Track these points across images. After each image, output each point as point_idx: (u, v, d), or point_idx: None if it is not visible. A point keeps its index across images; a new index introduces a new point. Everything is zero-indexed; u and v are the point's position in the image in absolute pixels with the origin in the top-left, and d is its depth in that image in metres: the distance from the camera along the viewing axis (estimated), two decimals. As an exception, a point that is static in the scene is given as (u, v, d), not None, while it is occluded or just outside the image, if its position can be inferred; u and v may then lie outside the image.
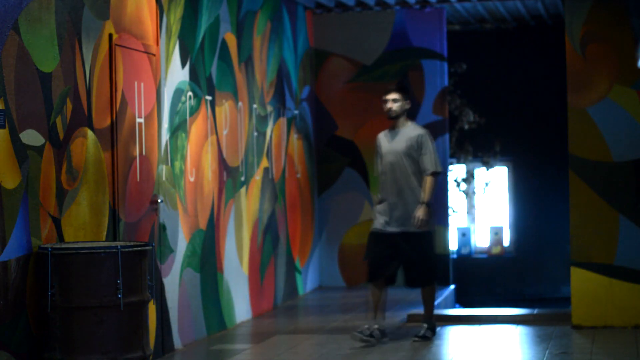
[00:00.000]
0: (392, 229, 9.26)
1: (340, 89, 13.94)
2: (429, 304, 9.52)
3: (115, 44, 7.95)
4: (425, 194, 9.21)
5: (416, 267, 9.36)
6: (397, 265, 9.39)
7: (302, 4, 13.33)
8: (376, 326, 9.15)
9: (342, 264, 13.80)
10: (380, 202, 9.40)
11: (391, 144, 9.38)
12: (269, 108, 11.89)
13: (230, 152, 10.59)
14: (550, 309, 11.34)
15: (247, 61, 11.15)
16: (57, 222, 7.04)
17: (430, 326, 9.42)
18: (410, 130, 9.40)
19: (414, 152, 9.32)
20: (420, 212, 9.15)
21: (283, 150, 12.37)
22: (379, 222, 9.33)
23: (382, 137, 9.50)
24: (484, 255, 16.94)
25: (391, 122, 9.47)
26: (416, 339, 9.31)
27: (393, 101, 9.34)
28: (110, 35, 7.90)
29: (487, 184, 16.89)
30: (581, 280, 9.93)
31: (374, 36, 13.94)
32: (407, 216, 9.22)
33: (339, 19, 14.00)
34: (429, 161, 9.30)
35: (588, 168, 9.96)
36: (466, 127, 15.99)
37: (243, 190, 10.96)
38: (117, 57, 7.96)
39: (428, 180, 9.25)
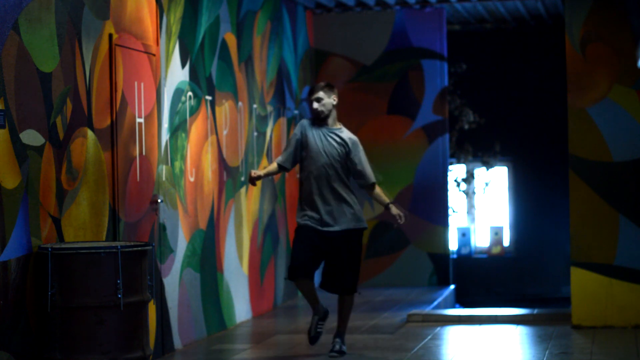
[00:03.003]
0: (329, 228, 8.50)
1: (340, 89, 13.94)
2: (348, 315, 8.75)
3: (115, 44, 7.95)
4: (385, 196, 8.72)
5: (346, 271, 8.58)
6: (318, 265, 8.63)
7: (302, 4, 13.33)
8: (316, 317, 8.51)
9: (342, 264, 13.80)
10: (306, 200, 8.57)
11: (322, 144, 8.53)
12: (269, 108, 11.90)
13: (230, 152, 10.59)
14: (550, 309, 11.35)
15: (247, 61, 11.16)
16: (57, 222, 7.04)
17: (343, 340, 8.71)
18: (343, 134, 8.60)
19: (345, 157, 8.55)
20: (397, 209, 8.66)
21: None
22: (312, 219, 8.52)
23: (309, 129, 8.60)
24: (484, 255, 16.94)
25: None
26: (334, 354, 8.55)
27: (317, 100, 8.52)
28: (110, 35, 7.90)
29: (487, 184, 16.90)
30: (581, 280, 9.94)
31: (374, 36, 13.94)
32: (347, 217, 8.53)
33: (339, 19, 14.00)
34: (369, 173, 8.65)
35: (588, 168, 9.96)
36: (466, 127, 16.00)
37: (243, 190, 10.96)
38: (117, 57, 7.96)
39: (378, 189, 8.72)
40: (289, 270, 8.47)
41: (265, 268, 11.63)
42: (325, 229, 8.50)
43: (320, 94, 8.54)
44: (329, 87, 8.59)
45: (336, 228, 8.51)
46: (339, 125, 8.67)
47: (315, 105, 8.55)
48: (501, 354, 8.77)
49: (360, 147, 8.65)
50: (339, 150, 8.54)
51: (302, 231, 8.53)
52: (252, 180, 8.47)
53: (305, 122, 8.66)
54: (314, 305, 8.53)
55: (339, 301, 8.70)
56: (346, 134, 8.63)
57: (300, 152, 8.61)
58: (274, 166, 8.68)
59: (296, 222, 8.63)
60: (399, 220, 8.68)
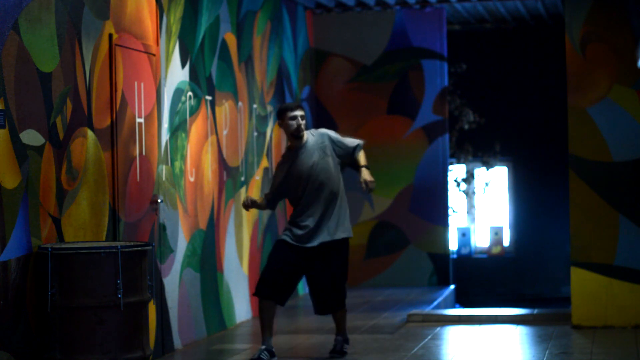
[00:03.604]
0: (312, 242, 8.33)
1: (340, 89, 13.95)
2: (344, 323, 8.60)
3: (115, 44, 7.95)
4: (363, 158, 8.44)
5: (334, 286, 8.42)
6: (296, 285, 8.49)
7: (302, 4, 13.33)
8: (264, 347, 8.30)
9: (342, 264, 13.79)
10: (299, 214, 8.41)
11: (302, 161, 8.34)
12: (269, 108, 11.90)
13: (230, 152, 10.59)
14: (550, 309, 11.34)
15: (247, 61, 11.16)
16: (57, 222, 7.04)
17: (345, 338, 8.62)
18: (314, 139, 8.44)
19: (329, 150, 8.40)
20: (366, 175, 8.29)
21: (283, 150, 12.37)
22: (294, 234, 8.36)
23: (285, 164, 8.41)
24: (484, 255, 16.95)
25: (293, 142, 8.41)
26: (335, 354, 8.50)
27: (302, 117, 8.35)
28: (110, 35, 7.90)
29: (487, 184, 16.90)
30: (581, 280, 9.94)
31: (374, 36, 13.94)
32: (333, 224, 8.37)
33: (339, 19, 14.00)
34: (350, 140, 8.48)
35: (588, 168, 9.96)
36: (466, 127, 16.00)
37: (243, 190, 10.96)
38: (117, 57, 7.96)
39: (362, 153, 8.48)
40: None
41: (265, 268, 11.62)
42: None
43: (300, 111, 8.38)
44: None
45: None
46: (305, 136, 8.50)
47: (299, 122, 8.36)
48: (501, 354, 8.77)
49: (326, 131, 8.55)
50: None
51: None
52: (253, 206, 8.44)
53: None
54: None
55: (334, 316, 8.55)
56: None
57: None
58: None
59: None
60: (363, 187, 8.31)
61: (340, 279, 8.45)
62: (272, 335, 8.40)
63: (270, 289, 8.27)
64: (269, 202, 8.56)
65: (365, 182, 8.29)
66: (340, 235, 8.38)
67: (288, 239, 8.35)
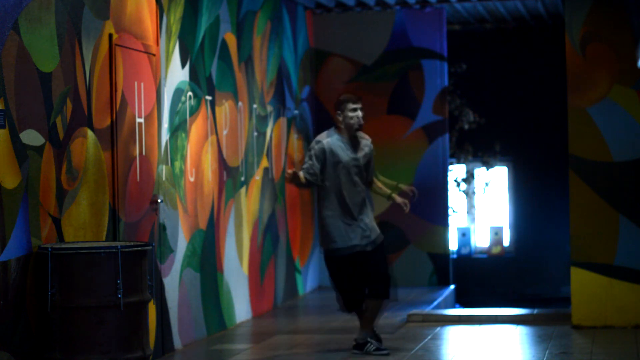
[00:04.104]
0: (366, 246, 8.65)
1: (340, 89, 13.94)
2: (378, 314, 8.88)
3: (115, 44, 7.95)
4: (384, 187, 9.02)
5: (384, 276, 8.71)
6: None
7: (302, 4, 13.33)
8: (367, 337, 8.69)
9: (342, 264, 13.79)
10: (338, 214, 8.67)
11: (350, 153, 8.72)
12: (269, 108, 11.90)
13: (230, 152, 10.59)
14: (550, 309, 11.34)
15: (247, 61, 11.16)
16: (57, 222, 7.04)
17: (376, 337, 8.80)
18: (365, 141, 8.87)
19: (366, 162, 8.81)
20: (400, 198, 8.95)
21: (283, 150, 12.37)
22: (355, 240, 8.64)
23: (336, 145, 8.70)
24: (484, 255, 16.94)
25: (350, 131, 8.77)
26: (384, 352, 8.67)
27: (361, 109, 8.81)
28: (110, 35, 7.90)
29: (487, 184, 16.90)
30: (581, 280, 9.94)
31: (374, 36, 13.94)
32: (372, 225, 8.74)
33: (339, 19, 14.00)
34: (373, 171, 8.96)
35: (588, 168, 9.96)
36: (466, 127, 16.00)
37: (243, 190, 10.96)
38: (117, 57, 7.96)
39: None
40: None
41: (265, 268, 11.63)
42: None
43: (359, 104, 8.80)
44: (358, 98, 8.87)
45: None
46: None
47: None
48: (501, 354, 8.77)
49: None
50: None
51: None
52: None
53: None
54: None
55: (376, 305, 8.75)
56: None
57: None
58: None
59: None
60: (405, 209, 8.92)
61: (385, 265, 8.73)
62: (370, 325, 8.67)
63: (353, 303, 8.66)
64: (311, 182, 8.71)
65: (405, 204, 8.93)
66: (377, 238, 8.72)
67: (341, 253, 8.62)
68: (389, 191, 8.99)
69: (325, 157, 8.63)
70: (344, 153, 8.67)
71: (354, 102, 8.74)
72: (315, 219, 13.67)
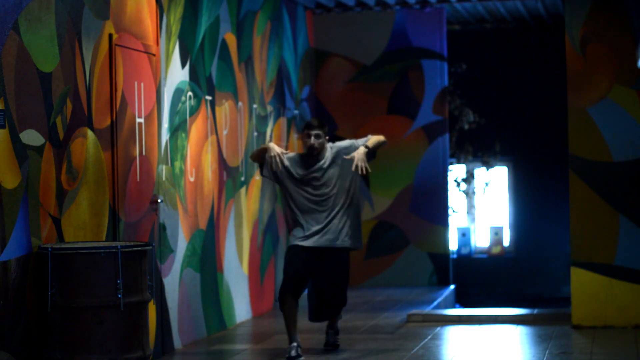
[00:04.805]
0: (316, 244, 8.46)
1: (340, 89, 13.95)
2: (336, 320, 8.88)
3: (115, 44, 7.95)
4: (371, 141, 8.41)
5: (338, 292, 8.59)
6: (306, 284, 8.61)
7: (302, 4, 13.33)
8: (295, 344, 8.45)
9: (342, 264, 13.79)
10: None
11: (299, 170, 8.53)
12: (269, 108, 11.90)
13: (230, 152, 10.59)
14: (550, 309, 11.34)
15: (247, 61, 11.16)
16: (57, 222, 7.04)
17: (336, 330, 8.92)
18: (331, 154, 8.54)
19: (339, 160, 8.50)
20: (360, 154, 8.25)
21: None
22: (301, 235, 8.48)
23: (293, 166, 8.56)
24: (484, 255, 16.94)
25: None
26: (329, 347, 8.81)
27: (316, 137, 8.46)
28: (110, 35, 7.90)
29: (487, 184, 16.90)
30: (581, 280, 9.94)
31: (374, 36, 13.95)
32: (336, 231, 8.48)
33: (339, 19, 14.00)
34: (364, 139, 8.50)
35: (588, 168, 9.96)
36: (466, 127, 16.00)
37: (243, 190, 10.96)
38: (117, 57, 7.96)
39: (373, 138, 8.46)
40: None
41: (265, 268, 11.63)
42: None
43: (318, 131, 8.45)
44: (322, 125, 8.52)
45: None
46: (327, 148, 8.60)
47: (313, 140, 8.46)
48: (501, 354, 8.77)
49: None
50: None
51: None
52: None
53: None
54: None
55: (330, 323, 8.83)
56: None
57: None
58: None
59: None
60: (353, 167, 8.27)
61: (340, 288, 8.56)
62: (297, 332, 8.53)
63: (293, 283, 8.38)
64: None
65: (355, 159, 8.26)
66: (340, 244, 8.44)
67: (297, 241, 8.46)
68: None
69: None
70: (294, 169, 8.52)
71: (310, 129, 8.46)
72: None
